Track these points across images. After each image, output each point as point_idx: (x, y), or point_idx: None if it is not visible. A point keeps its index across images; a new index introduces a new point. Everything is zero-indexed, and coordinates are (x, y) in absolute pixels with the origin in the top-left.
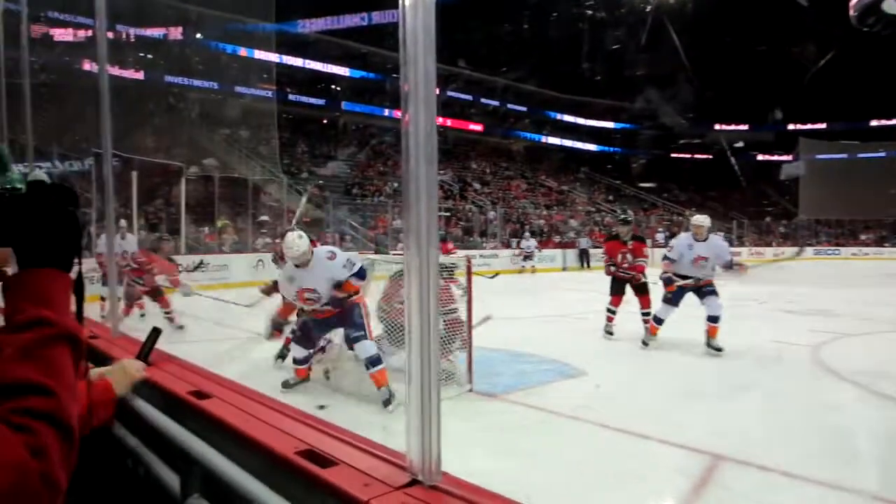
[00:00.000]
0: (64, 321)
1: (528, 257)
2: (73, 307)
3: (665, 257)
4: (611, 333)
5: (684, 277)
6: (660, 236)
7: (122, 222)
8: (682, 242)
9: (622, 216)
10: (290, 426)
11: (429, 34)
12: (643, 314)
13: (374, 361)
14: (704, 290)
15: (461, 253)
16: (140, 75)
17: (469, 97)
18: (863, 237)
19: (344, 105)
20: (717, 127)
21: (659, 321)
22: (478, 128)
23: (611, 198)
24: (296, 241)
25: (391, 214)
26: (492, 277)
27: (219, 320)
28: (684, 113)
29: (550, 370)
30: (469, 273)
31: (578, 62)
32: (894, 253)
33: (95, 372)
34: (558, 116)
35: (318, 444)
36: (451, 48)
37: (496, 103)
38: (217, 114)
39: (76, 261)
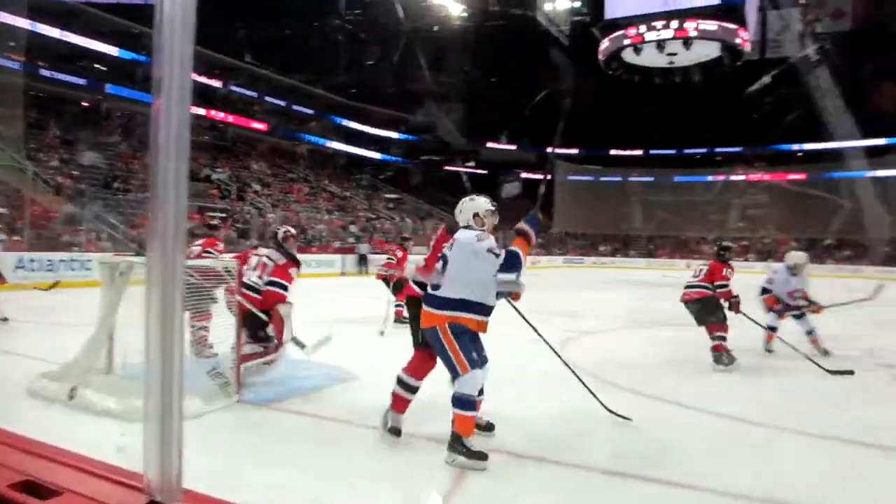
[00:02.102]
0: None
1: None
2: None
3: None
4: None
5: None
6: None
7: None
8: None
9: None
10: (5, 456)
11: (187, 17)
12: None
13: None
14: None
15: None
16: None
17: (254, 94)
18: (602, 248)
19: (109, 88)
20: (489, 145)
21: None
22: (261, 127)
23: (391, 205)
24: None
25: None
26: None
27: None
28: (461, 129)
29: (324, 375)
30: (240, 277)
31: (359, 71)
32: (626, 262)
33: None
34: (344, 122)
35: (39, 474)
36: (237, 42)
37: (282, 103)
38: None
39: None
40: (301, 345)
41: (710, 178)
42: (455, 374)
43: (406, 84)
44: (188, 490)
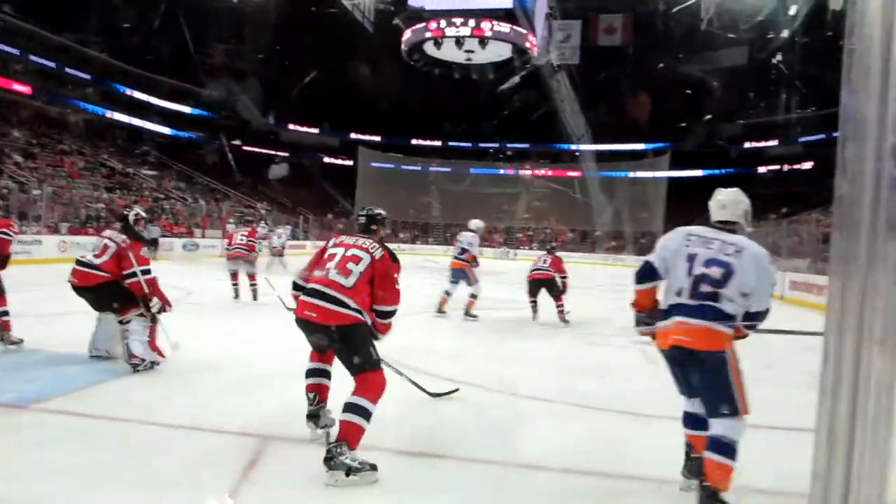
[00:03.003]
0: None
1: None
2: None
3: None
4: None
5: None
6: (230, 227)
7: None
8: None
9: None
10: None
11: None
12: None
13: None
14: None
15: None
16: None
17: (14, 51)
18: (402, 235)
19: None
20: (291, 127)
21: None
22: (24, 89)
23: (182, 185)
24: None
25: None
26: None
27: None
28: (261, 109)
29: (101, 369)
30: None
31: (148, 35)
32: (425, 249)
33: None
34: (127, 91)
35: None
36: None
37: (51, 64)
38: None
39: None
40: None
41: (501, 171)
42: (730, 412)
43: (202, 56)
44: None
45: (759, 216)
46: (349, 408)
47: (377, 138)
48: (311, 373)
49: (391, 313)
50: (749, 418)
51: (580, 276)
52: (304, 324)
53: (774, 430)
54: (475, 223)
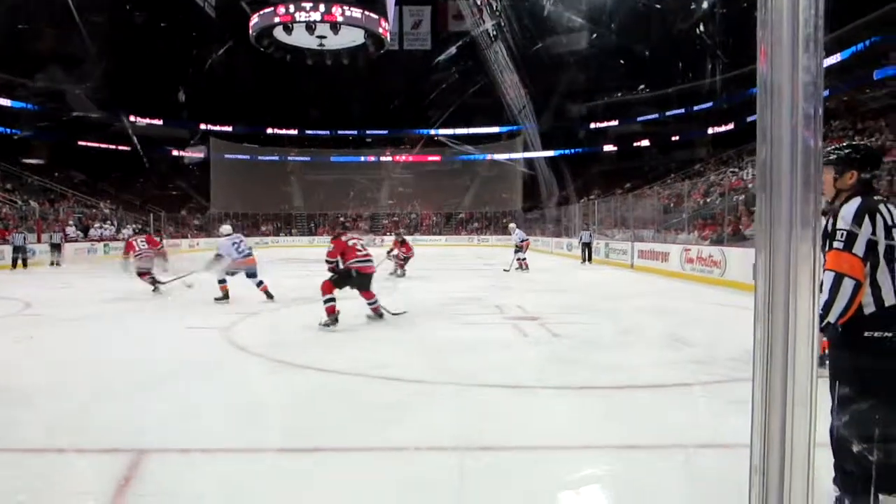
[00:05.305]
0: None
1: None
2: None
3: None
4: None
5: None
6: (70, 230)
7: None
8: None
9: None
10: None
11: None
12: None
13: None
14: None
15: None
16: None
17: None
18: (263, 228)
19: None
20: (131, 118)
21: None
22: None
23: (9, 186)
24: None
25: None
26: None
27: None
28: (96, 99)
29: None
30: None
31: None
32: (288, 241)
33: None
34: None
35: None
36: None
37: None
38: None
39: None
40: None
41: (362, 158)
42: None
43: (24, 42)
44: None
45: (606, 191)
46: (370, 304)
47: (229, 129)
48: (332, 300)
49: None
50: (621, 379)
51: (447, 258)
52: (360, 273)
53: (658, 388)
54: (225, 228)
